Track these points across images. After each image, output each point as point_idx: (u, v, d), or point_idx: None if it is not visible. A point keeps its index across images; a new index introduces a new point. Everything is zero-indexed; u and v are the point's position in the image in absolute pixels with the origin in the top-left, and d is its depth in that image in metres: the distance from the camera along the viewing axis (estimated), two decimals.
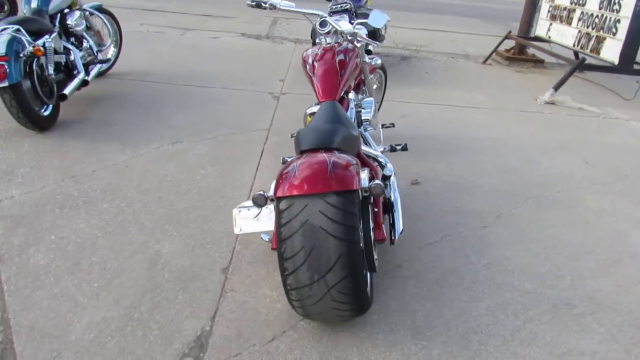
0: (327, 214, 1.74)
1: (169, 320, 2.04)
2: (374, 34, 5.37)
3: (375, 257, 2.16)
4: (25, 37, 3.35)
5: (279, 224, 1.79)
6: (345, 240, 1.74)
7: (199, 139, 3.71)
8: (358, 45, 2.64)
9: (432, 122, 4.48)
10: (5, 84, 3.17)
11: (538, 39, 6.56)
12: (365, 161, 2.29)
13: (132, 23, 7.31)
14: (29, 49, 3.32)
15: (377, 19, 2.76)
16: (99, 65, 4.23)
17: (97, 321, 2.01)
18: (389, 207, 2.38)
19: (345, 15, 5.07)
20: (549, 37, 6.32)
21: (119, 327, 1.99)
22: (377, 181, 1.87)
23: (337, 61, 2.62)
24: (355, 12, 5.22)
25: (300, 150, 2.03)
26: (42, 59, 3.50)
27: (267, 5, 2.79)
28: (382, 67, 3.72)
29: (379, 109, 3.99)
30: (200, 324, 2.03)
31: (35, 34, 3.51)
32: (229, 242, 2.54)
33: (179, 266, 2.36)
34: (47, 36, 3.57)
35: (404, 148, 3.06)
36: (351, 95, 2.82)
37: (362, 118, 2.68)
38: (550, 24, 6.27)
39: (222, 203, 2.91)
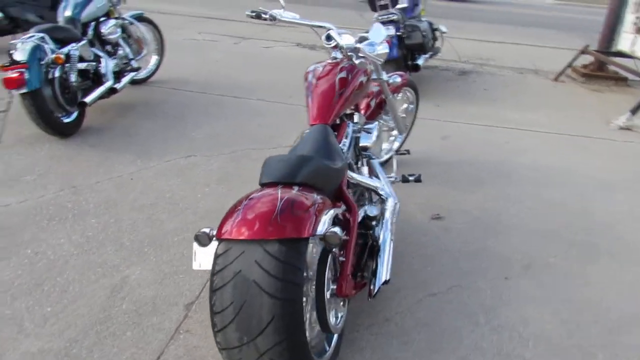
0: (264, 265, 1.46)
1: (90, 355, 1.84)
2: (423, 46, 4.99)
3: (341, 314, 1.84)
4: (49, 45, 3.36)
5: (212, 271, 1.54)
6: (280, 299, 1.45)
7: (214, 154, 3.55)
8: (357, 61, 2.33)
9: (477, 146, 4.02)
10: (25, 90, 3.18)
11: (620, 54, 5.82)
12: (346, 199, 1.97)
13: (190, 31, 7.40)
14: (50, 56, 3.32)
15: (376, 33, 2.43)
16: (131, 74, 4.21)
17: (33, 352, 1.86)
18: (374, 251, 2.05)
19: (391, 26, 4.76)
20: (634, 52, 5.57)
21: None
22: (334, 229, 1.56)
23: (337, 80, 2.33)
24: (404, 24, 4.88)
25: (259, 183, 1.76)
26: (67, 67, 3.50)
27: (267, 16, 2.56)
28: (411, 85, 3.36)
29: (409, 131, 3.62)
30: None
31: (62, 42, 3.52)
32: (204, 273, 2.32)
33: (141, 296, 2.17)
34: (73, 44, 3.57)
35: (418, 179, 2.70)
36: (356, 117, 2.50)
37: (360, 145, 2.36)
38: (635, 37, 5.53)
39: (215, 226, 2.70)
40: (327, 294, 1.70)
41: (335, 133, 2.32)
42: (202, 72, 5.44)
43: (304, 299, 1.70)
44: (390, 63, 4.87)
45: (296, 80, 5.46)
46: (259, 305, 1.45)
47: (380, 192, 2.34)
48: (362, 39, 2.49)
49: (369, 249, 2.08)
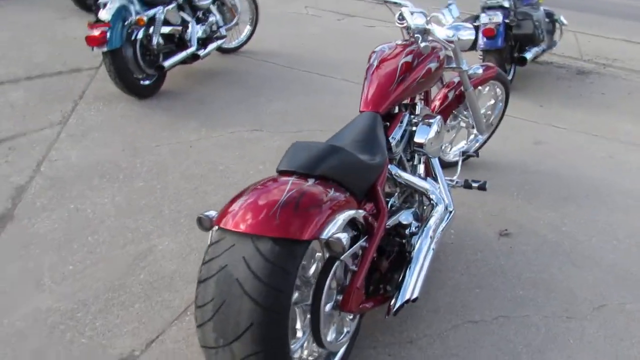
0: (251, 264, 1.30)
1: (105, 331, 1.81)
2: (533, 37, 4.44)
3: (347, 329, 1.63)
4: (135, 7, 3.42)
5: (203, 259, 1.41)
6: (262, 306, 1.28)
7: (280, 131, 3.43)
8: (422, 45, 2.03)
9: (574, 157, 3.50)
10: (105, 49, 3.27)
11: None
12: (378, 200, 1.73)
13: (298, 4, 7.30)
14: (134, 18, 3.38)
15: (448, 13, 2.11)
16: (217, 42, 4.19)
17: (41, 310, 1.87)
18: (405, 263, 1.80)
19: (499, 12, 4.29)
20: None
21: (53, 323, 1.82)
22: (339, 235, 1.35)
23: (400, 64, 2.07)
24: (515, 12, 4.37)
25: (276, 169, 1.59)
26: (151, 29, 3.54)
27: None
28: (501, 79, 2.95)
29: (493, 132, 3.22)
30: (132, 346, 1.76)
31: (151, 5, 3.57)
32: None
33: (161, 269, 2.12)
34: (160, 7, 3.61)
35: (482, 187, 2.36)
36: (418, 108, 2.21)
37: (414, 140, 2.08)
38: None
39: None
40: (328, 306, 1.50)
41: (387, 123, 2.08)
42: (295, 46, 5.32)
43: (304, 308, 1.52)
44: (492, 53, 4.40)
45: None
46: (238, 308, 1.29)
47: (431, 196, 2.05)
48: (434, 20, 2.19)
49: (400, 259, 1.83)
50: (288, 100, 3.94)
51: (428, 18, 2.11)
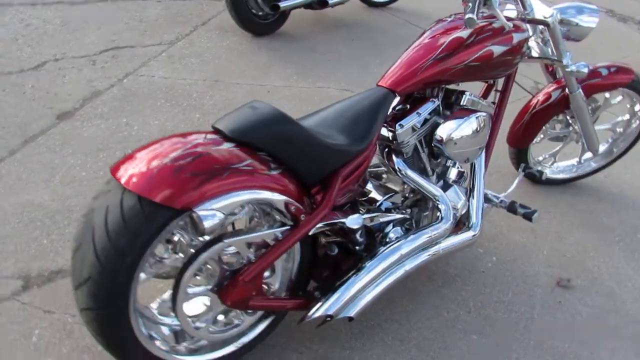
0: (109, 216, 1.19)
1: (66, 240, 1.86)
2: None
3: (237, 322, 1.42)
4: None
5: None
6: (101, 263, 1.17)
7: None
8: (466, 16, 1.54)
9: None
10: None
11: None
12: (329, 191, 1.41)
13: None
14: None
15: None
16: None
17: (33, 203, 2.01)
18: (350, 270, 1.49)
19: None
20: None
21: (34, 218, 1.94)
22: (204, 213, 1.14)
23: (449, 39, 1.65)
24: None
25: (212, 125, 1.40)
26: None
27: None
28: (635, 87, 2.19)
29: (617, 158, 2.44)
30: None
31: None
32: None
33: None
34: None
35: (528, 216, 1.82)
36: (464, 98, 1.74)
37: (436, 133, 1.65)
38: None
39: None
40: (202, 288, 1.31)
41: (408, 106, 1.70)
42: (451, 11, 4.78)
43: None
44: None
45: None
46: (84, 256, 1.20)
47: (440, 206, 1.65)
48: None
49: (345, 264, 1.52)
50: None
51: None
